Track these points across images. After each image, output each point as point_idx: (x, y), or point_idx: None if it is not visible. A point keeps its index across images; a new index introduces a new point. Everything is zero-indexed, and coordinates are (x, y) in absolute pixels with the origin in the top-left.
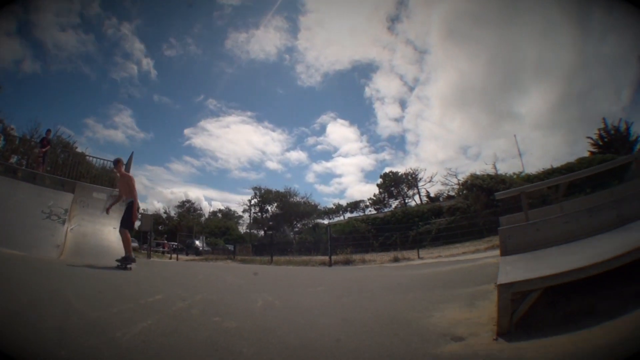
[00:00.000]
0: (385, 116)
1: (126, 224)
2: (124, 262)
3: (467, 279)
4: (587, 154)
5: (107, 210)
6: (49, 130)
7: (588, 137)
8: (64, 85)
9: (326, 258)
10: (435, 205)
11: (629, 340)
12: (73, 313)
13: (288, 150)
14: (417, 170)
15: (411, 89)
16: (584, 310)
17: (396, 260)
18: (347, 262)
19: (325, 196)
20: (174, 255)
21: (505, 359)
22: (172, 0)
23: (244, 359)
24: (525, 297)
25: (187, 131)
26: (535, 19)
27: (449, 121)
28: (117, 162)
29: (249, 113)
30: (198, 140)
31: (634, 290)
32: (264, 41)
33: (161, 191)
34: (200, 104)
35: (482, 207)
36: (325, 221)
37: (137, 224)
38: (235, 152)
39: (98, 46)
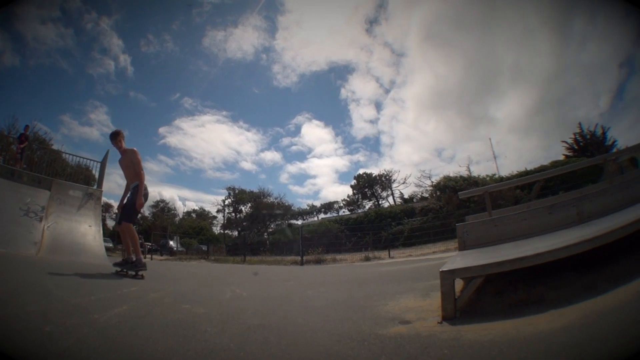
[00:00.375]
0: (361, 118)
1: (128, 217)
2: (133, 267)
3: (429, 274)
4: (562, 158)
5: (119, 208)
6: (27, 126)
7: (563, 141)
8: (41, 79)
9: (298, 257)
10: (408, 206)
11: (574, 328)
12: (55, 299)
13: (262, 150)
14: (391, 171)
15: (387, 91)
16: (532, 299)
17: (367, 259)
18: (319, 262)
19: (300, 197)
20: (148, 255)
21: (444, 338)
22: None
23: (207, 335)
24: (469, 283)
25: (161, 130)
26: (514, 25)
27: (424, 124)
28: (116, 134)
29: (224, 112)
30: (173, 139)
31: (585, 282)
32: (241, 40)
33: None
34: (176, 102)
35: (454, 208)
36: (299, 222)
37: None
38: (209, 152)
39: (77, 41)
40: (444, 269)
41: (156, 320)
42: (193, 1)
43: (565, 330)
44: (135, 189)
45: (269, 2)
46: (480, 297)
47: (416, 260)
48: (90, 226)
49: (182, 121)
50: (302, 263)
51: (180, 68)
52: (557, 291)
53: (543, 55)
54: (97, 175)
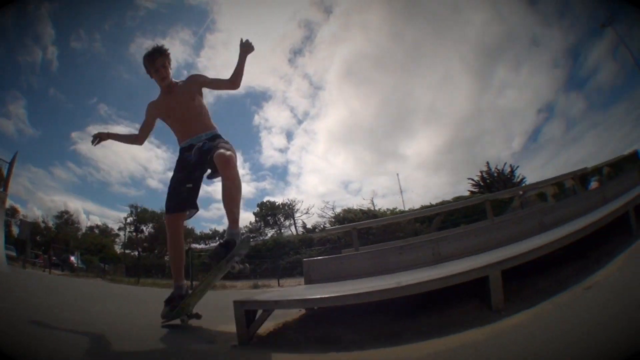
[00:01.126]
0: (271, 146)
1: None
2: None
3: None
4: (467, 194)
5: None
6: None
7: (470, 179)
8: None
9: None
10: (306, 236)
11: None
12: None
13: (170, 169)
14: (294, 201)
15: (300, 122)
16: (328, 338)
17: (256, 287)
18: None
19: (204, 221)
20: (47, 270)
21: (225, 358)
22: None
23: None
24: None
25: (74, 135)
26: (435, 70)
27: (333, 156)
28: (158, 54)
29: (137, 125)
30: (83, 147)
31: (392, 329)
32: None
33: (42, 197)
34: (92, 107)
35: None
36: (201, 246)
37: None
38: (117, 165)
39: (16, 22)
40: (236, 299)
41: (18, 323)
42: None
43: None
44: (215, 139)
45: (201, 18)
46: (286, 329)
47: None
48: None
49: (95, 128)
50: (192, 288)
51: (102, 71)
52: (356, 334)
53: (459, 99)
54: (5, 175)
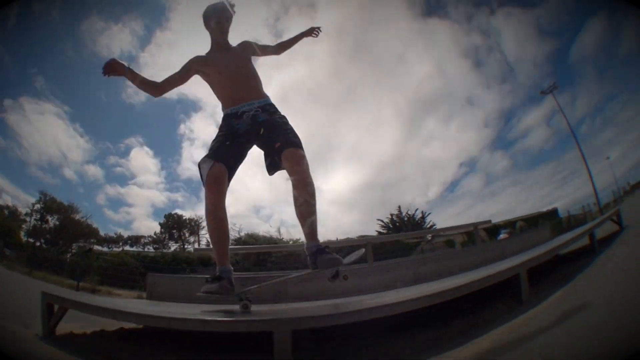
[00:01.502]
0: (190, 158)
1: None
2: (329, 261)
3: None
4: (375, 234)
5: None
6: None
7: (379, 220)
8: None
9: (82, 283)
10: (204, 255)
11: None
12: None
13: (88, 162)
14: (201, 218)
15: None
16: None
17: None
18: (94, 291)
19: (111, 223)
20: None
21: (20, 342)
22: None
23: None
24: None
25: (6, 102)
26: (366, 112)
27: (249, 179)
28: (228, 7)
29: (66, 108)
30: (12, 117)
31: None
32: (114, 38)
33: None
34: (31, 77)
35: (252, 264)
36: (105, 248)
37: None
38: (39, 146)
39: None
40: (44, 291)
41: None
42: None
43: None
44: (270, 110)
45: (157, 13)
46: (94, 336)
47: None
48: None
49: (27, 101)
50: (77, 289)
51: (50, 43)
52: (178, 355)
53: (384, 143)
54: None
